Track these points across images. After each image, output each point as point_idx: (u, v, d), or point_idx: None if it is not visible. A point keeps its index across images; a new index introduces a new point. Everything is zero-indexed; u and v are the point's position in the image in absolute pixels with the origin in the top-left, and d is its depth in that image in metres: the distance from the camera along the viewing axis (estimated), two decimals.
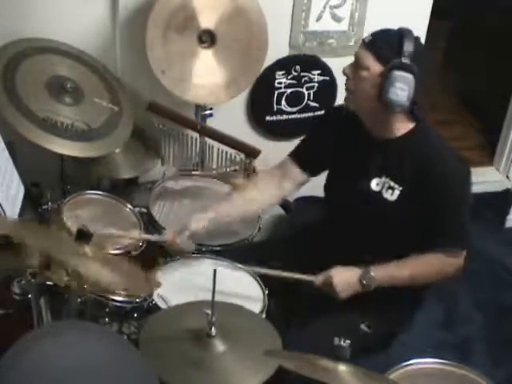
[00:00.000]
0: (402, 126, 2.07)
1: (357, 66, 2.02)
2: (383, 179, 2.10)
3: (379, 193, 2.10)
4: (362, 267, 2.08)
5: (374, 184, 2.11)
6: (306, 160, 2.30)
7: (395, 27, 2.03)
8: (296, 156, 2.32)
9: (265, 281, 2.17)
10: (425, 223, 2.05)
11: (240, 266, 2.20)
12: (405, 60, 1.94)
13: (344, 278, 2.08)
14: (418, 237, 2.06)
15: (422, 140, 2.06)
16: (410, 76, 1.95)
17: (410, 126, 2.07)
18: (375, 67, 1.98)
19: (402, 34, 1.97)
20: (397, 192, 2.07)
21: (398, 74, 1.94)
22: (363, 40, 2.03)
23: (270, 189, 2.34)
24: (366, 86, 2.01)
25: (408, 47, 1.95)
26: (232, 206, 2.32)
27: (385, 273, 2.07)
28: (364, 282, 2.06)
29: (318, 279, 2.11)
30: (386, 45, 1.98)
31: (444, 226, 2.06)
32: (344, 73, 2.07)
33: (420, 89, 1.98)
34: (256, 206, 2.38)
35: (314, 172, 2.32)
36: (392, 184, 2.08)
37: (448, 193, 2.03)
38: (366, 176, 2.12)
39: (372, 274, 2.06)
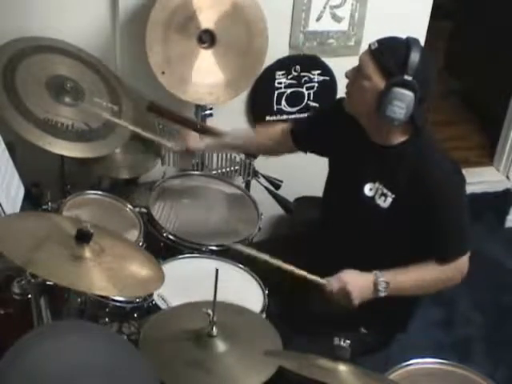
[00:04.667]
0: (399, 135, 2.04)
1: (359, 72, 1.99)
2: (376, 185, 2.08)
3: (372, 198, 2.08)
4: (374, 273, 2.04)
5: (367, 189, 2.10)
6: (301, 139, 2.34)
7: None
8: (294, 132, 2.35)
9: (264, 281, 2.17)
10: (420, 232, 2.04)
11: (253, 252, 2.10)
12: (407, 77, 1.91)
13: (359, 284, 2.04)
14: (412, 245, 2.06)
15: (419, 149, 2.03)
16: (410, 94, 1.92)
17: (408, 135, 2.04)
18: (377, 79, 1.95)
19: (409, 46, 1.93)
20: (389, 199, 2.05)
21: (398, 91, 1.92)
22: (369, 46, 1.99)
23: (271, 140, 2.42)
24: (365, 96, 1.99)
25: (413, 62, 1.91)
26: (235, 139, 2.48)
27: (399, 280, 2.05)
28: (379, 288, 2.03)
29: (330, 284, 2.04)
30: (391, 57, 1.94)
31: (441, 235, 2.04)
32: (346, 76, 2.06)
33: (422, 102, 1.96)
34: (254, 150, 2.55)
35: (305, 150, 2.39)
36: (385, 191, 2.06)
37: (442, 203, 2.01)
38: (359, 180, 2.11)
39: (384, 279, 2.03)
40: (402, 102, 1.93)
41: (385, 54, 1.95)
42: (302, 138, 2.34)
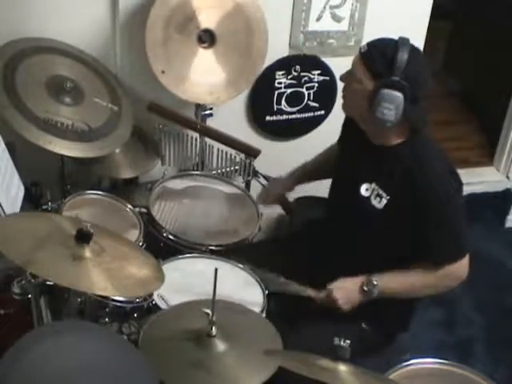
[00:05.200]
0: (397, 136, 2.03)
1: (351, 75, 2.01)
2: (373, 185, 2.08)
3: (367, 199, 2.08)
4: (364, 276, 2.06)
5: (364, 189, 2.09)
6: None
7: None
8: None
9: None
10: (414, 235, 2.03)
11: (242, 266, 2.19)
12: (395, 78, 1.91)
13: (345, 291, 2.08)
14: (407, 248, 2.06)
15: (414, 150, 2.03)
16: (399, 95, 1.91)
17: (405, 136, 2.04)
18: (366, 81, 1.96)
19: (398, 46, 1.92)
20: (384, 201, 2.05)
21: (385, 93, 1.91)
22: (360, 49, 2.00)
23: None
24: (357, 99, 1.99)
25: (400, 62, 1.90)
26: (313, 165, 2.48)
27: (387, 281, 2.06)
28: (365, 289, 2.05)
29: (319, 296, 2.10)
30: (380, 59, 1.94)
31: (434, 238, 2.03)
32: (341, 80, 2.08)
33: (416, 102, 1.95)
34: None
35: None
36: (380, 192, 2.05)
37: (435, 206, 1.99)
38: (357, 179, 2.11)
39: (375, 281, 2.05)
40: (391, 104, 1.92)
41: (373, 56, 1.96)
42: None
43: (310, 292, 2.12)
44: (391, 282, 2.07)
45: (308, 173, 2.48)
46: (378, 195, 2.06)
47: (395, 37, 2.00)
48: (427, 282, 2.08)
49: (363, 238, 2.10)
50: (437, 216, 2.00)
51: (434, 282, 2.08)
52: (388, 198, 2.04)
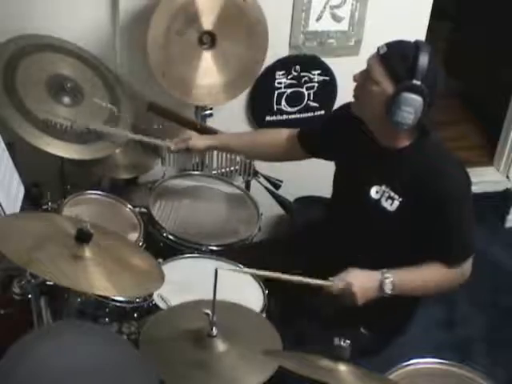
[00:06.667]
0: (407, 138, 2.03)
1: (368, 77, 1.98)
2: (383, 188, 2.07)
3: (378, 201, 2.07)
4: (378, 271, 2.02)
5: (374, 191, 2.08)
6: (309, 143, 2.34)
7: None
8: (302, 136, 2.36)
9: (265, 281, 2.17)
10: (426, 236, 2.03)
11: (249, 270, 2.13)
12: (416, 81, 1.90)
13: (364, 284, 2.01)
14: (417, 248, 2.05)
15: (426, 152, 2.03)
16: (419, 99, 1.91)
17: (415, 137, 2.04)
18: (386, 84, 1.94)
19: (418, 50, 1.91)
20: (396, 203, 2.04)
21: (407, 96, 1.91)
22: (378, 50, 1.97)
23: (276, 147, 2.41)
24: (374, 100, 1.98)
25: (422, 66, 1.89)
26: (237, 140, 2.49)
27: (401, 278, 2.03)
28: (385, 288, 2.01)
29: (335, 285, 2.01)
30: (400, 61, 1.92)
31: (446, 239, 2.03)
32: (354, 80, 2.05)
33: (431, 105, 1.95)
34: (256, 154, 2.53)
35: (312, 154, 2.38)
36: (392, 194, 2.04)
37: (450, 205, 1.99)
38: (366, 182, 2.09)
39: (391, 278, 2.01)
40: (411, 107, 1.92)
41: (394, 58, 1.94)
42: (310, 142, 2.33)
43: (326, 282, 2.02)
44: (405, 280, 2.04)
45: (226, 145, 2.51)
46: (390, 197, 2.05)
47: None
48: (442, 281, 2.07)
49: (370, 239, 2.09)
50: (451, 214, 2.00)
51: (449, 280, 2.07)
52: (400, 199, 2.03)
